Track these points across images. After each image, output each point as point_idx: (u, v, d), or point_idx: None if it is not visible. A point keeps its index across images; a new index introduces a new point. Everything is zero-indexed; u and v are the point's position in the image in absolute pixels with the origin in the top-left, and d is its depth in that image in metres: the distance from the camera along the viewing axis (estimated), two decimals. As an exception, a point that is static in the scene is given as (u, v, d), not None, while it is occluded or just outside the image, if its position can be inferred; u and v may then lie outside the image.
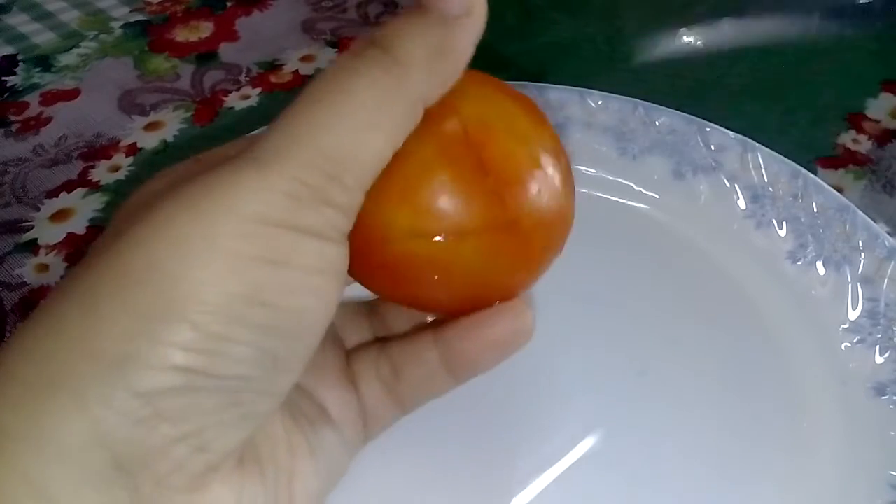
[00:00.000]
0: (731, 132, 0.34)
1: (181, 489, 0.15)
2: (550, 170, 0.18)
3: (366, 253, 0.18)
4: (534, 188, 0.18)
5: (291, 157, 0.15)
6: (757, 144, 0.34)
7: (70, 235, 0.35)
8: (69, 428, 0.14)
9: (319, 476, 0.19)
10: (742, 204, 0.34)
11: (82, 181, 0.38)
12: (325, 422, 0.20)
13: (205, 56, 0.45)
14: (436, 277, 0.18)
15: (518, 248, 0.18)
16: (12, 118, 0.41)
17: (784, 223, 0.33)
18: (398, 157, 0.17)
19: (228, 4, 0.49)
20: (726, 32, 0.46)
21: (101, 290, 0.14)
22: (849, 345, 0.29)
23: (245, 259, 0.14)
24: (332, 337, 0.22)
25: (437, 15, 0.16)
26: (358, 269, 0.18)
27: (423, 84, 0.16)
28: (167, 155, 0.39)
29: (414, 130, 0.17)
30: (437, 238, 0.17)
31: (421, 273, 0.18)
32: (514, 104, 0.19)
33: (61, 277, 0.33)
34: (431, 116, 0.17)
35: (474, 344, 0.19)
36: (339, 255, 0.16)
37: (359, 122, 0.16)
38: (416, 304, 0.20)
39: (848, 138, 0.39)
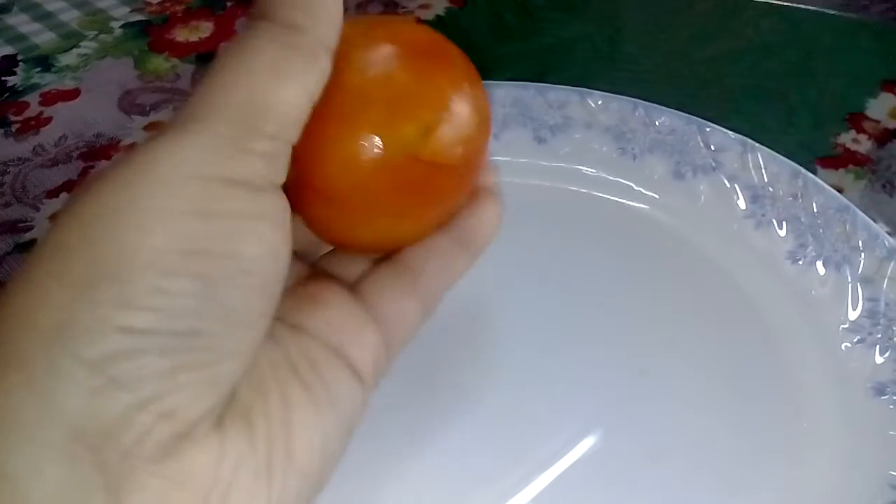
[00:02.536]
0: (730, 132, 0.34)
1: (150, 459, 0.14)
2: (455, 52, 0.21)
3: (365, 187, 0.19)
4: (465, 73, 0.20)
5: (206, 117, 0.16)
6: (757, 144, 0.34)
7: (70, 235, 0.35)
8: (21, 404, 0.13)
9: (325, 426, 0.18)
10: (742, 204, 0.34)
11: (82, 181, 0.38)
12: (332, 364, 0.19)
13: (205, 56, 0.45)
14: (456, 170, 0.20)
15: (485, 127, 0.20)
16: (12, 118, 0.41)
17: (784, 223, 0.33)
18: (342, 97, 0.18)
19: (228, 4, 0.49)
20: (726, 32, 0.46)
21: (35, 266, 0.15)
22: (849, 345, 0.29)
23: (173, 213, 0.15)
24: (329, 275, 0.22)
25: None
26: (339, 215, 0.19)
27: (313, 31, 0.17)
28: (167, 155, 0.39)
29: (336, 72, 0.18)
30: (445, 133, 0.19)
31: (447, 168, 0.19)
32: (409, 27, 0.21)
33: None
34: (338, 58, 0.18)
35: (485, 217, 0.22)
36: (274, 202, 0.16)
37: (266, 76, 0.16)
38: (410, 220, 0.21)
39: (848, 138, 0.39)
